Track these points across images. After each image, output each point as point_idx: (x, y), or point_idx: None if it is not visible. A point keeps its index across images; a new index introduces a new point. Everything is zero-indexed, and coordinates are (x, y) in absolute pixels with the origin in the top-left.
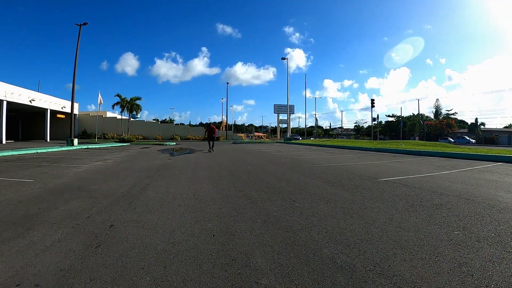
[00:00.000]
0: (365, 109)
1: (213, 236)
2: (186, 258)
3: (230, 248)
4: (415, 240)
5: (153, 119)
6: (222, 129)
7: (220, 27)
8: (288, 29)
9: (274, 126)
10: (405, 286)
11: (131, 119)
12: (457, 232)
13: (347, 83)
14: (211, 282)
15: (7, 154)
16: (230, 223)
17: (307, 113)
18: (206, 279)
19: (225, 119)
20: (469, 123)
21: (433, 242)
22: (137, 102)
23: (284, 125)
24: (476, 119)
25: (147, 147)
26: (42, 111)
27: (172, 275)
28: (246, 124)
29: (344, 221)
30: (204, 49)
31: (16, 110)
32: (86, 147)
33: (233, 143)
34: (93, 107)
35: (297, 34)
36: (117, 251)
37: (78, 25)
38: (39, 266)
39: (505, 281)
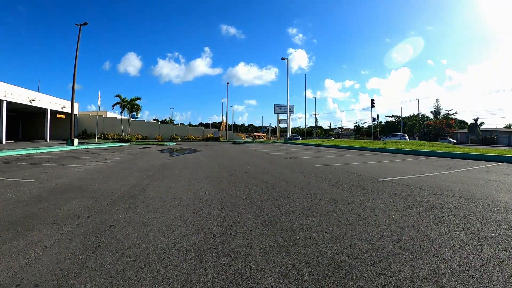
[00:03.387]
0: (366, 109)
1: (213, 236)
2: (186, 258)
3: (230, 248)
4: (415, 240)
5: (153, 119)
6: (222, 129)
7: (224, 27)
8: (292, 30)
9: (274, 126)
10: (405, 286)
11: (131, 119)
12: (457, 232)
13: (348, 83)
14: (211, 282)
15: (7, 154)
16: (230, 223)
17: (307, 113)
18: (206, 279)
19: (225, 119)
20: (469, 123)
21: (433, 242)
22: (137, 102)
23: (284, 125)
24: (476, 119)
25: (147, 147)
26: (42, 111)
27: (172, 275)
28: (246, 124)
29: (344, 221)
30: (206, 49)
31: (16, 110)
32: (86, 147)
33: (233, 143)
34: (93, 107)
35: (300, 35)
36: (117, 251)
37: (78, 25)
38: (39, 266)
39: (505, 281)
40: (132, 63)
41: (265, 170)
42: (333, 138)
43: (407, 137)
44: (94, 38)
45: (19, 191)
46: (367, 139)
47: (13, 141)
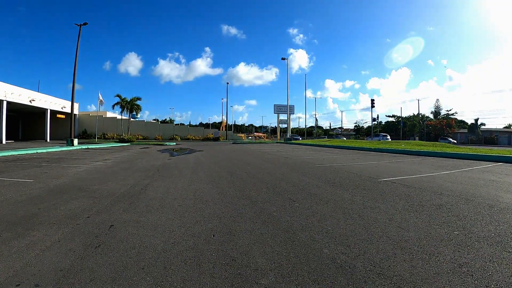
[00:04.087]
0: (366, 109)
1: (213, 236)
2: (186, 258)
3: (230, 248)
4: (415, 240)
5: (153, 119)
6: (222, 129)
7: (225, 28)
8: (292, 30)
9: (274, 126)
10: (405, 286)
11: (131, 119)
12: (457, 232)
13: (348, 83)
14: (211, 282)
15: (7, 154)
16: (230, 223)
17: (307, 113)
18: (206, 279)
19: (225, 119)
20: (469, 123)
21: (433, 242)
22: (137, 102)
23: (284, 125)
24: (477, 119)
25: (147, 147)
26: (42, 111)
27: (172, 275)
28: (246, 124)
29: (344, 221)
30: (207, 49)
31: (16, 110)
32: (86, 147)
33: (233, 143)
34: (93, 107)
35: (301, 35)
36: (117, 251)
37: (78, 25)
38: (39, 266)
39: (505, 281)
40: (132, 63)
41: (265, 170)
42: (344, 139)
43: (389, 137)
44: (94, 38)
45: (19, 191)
46: (366, 139)
47: (13, 141)
